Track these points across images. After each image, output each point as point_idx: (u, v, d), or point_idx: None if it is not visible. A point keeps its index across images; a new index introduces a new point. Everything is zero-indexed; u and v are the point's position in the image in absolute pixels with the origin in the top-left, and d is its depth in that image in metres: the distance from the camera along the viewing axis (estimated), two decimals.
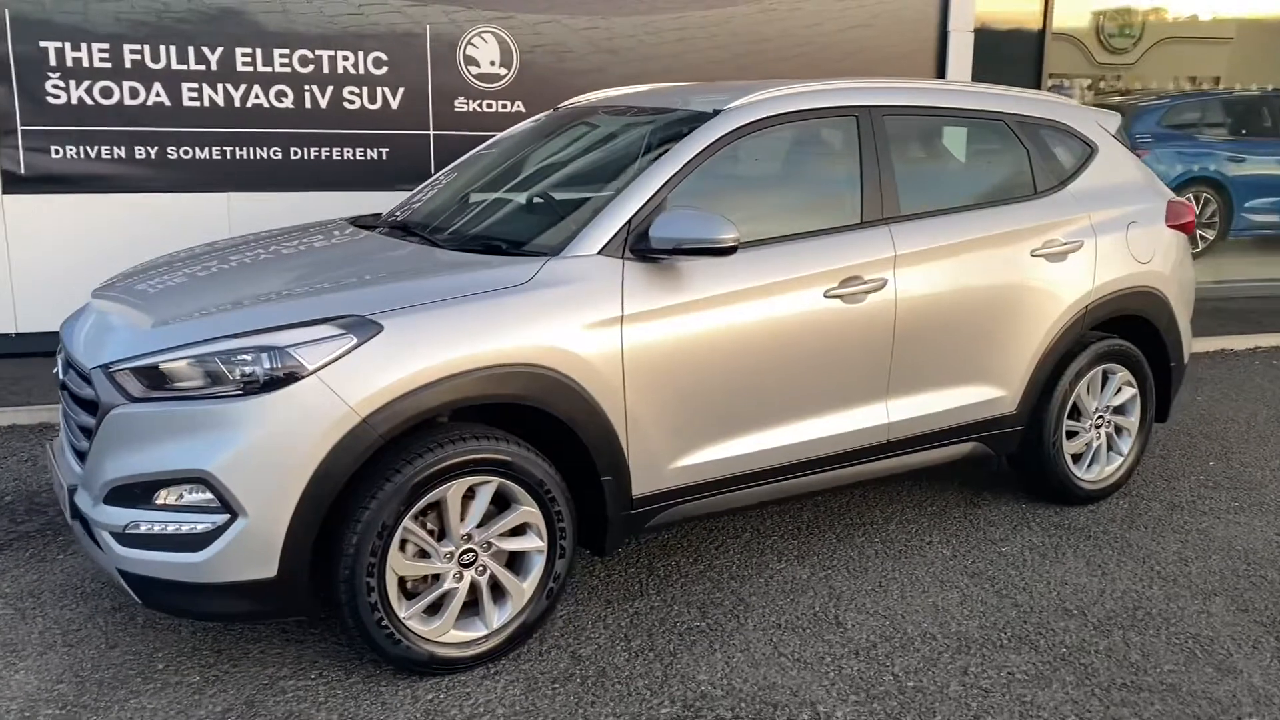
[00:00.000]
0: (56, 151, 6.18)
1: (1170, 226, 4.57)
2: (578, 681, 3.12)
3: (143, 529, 2.85)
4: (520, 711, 2.97)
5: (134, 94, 6.23)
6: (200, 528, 2.81)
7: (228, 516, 2.80)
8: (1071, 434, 4.41)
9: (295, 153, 6.47)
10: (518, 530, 3.20)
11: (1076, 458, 4.46)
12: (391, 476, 2.93)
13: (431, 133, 6.71)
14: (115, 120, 6.24)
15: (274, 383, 2.82)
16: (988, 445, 4.21)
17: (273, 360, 2.83)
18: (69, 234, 6.18)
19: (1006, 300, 4.08)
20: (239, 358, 2.84)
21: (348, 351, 2.87)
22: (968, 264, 3.98)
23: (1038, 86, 8.65)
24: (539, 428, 3.21)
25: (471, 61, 6.71)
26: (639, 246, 3.31)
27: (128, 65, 6.19)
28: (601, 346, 3.19)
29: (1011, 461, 4.42)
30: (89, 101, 6.17)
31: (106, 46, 6.14)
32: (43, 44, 6.05)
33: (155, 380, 2.87)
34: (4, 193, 6.14)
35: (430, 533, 3.06)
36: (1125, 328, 4.52)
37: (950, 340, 3.96)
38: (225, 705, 2.97)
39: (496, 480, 3.09)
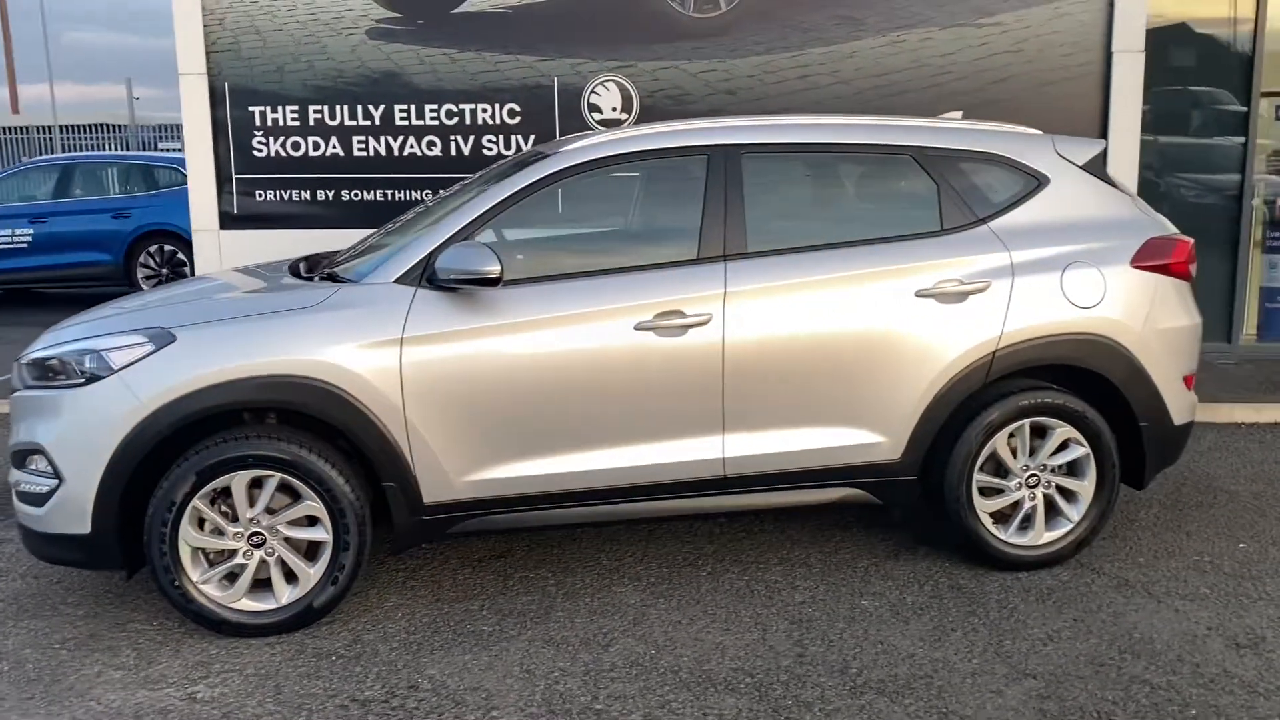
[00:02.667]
0: (259, 195, 7.56)
1: (1141, 267, 4.06)
2: (333, 659, 3.55)
3: (20, 487, 3.72)
4: (265, 674, 3.46)
5: (316, 147, 7.46)
6: (42, 488, 3.62)
7: (56, 481, 3.59)
8: (992, 491, 4.07)
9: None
10: (316, 520, 3.69)
11: (1002, 518, 4.10)
12: (180, 462, 3.57)
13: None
14: (302, 169, 7.51)
15: (93, 379, 3.57)
16: (870, 493, 4.03)
17: (94, 361, 3.59)
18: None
19: (878, 342, 3.90)
20: (77, 358, 3.62)
21: (144, 357, 3.56)
22: (824, 303, 3.87)
23: (1246, 104, 7.61)
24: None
25: (595, 109, 7.25)
26: (432, 276, 3.69)
27: (311, 123, 7.44)
28: (378, 364, 3.61)
29: (911, 515, 4.17)
30: (282, 154, 7.49)
31: (296, 108, 7.43)
32: (250, 108, 7.45)
33: (36, 371, 3.73)
34: (222, 229, 7.61)
35: (224, 514, 3.65)
36: (1083, 379, 4.09)
37: (800, 380, 3.88)
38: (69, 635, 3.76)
39: (278, 475, 3.61)
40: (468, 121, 7.34)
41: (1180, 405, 4.18)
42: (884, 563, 4.24)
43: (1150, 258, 4.08)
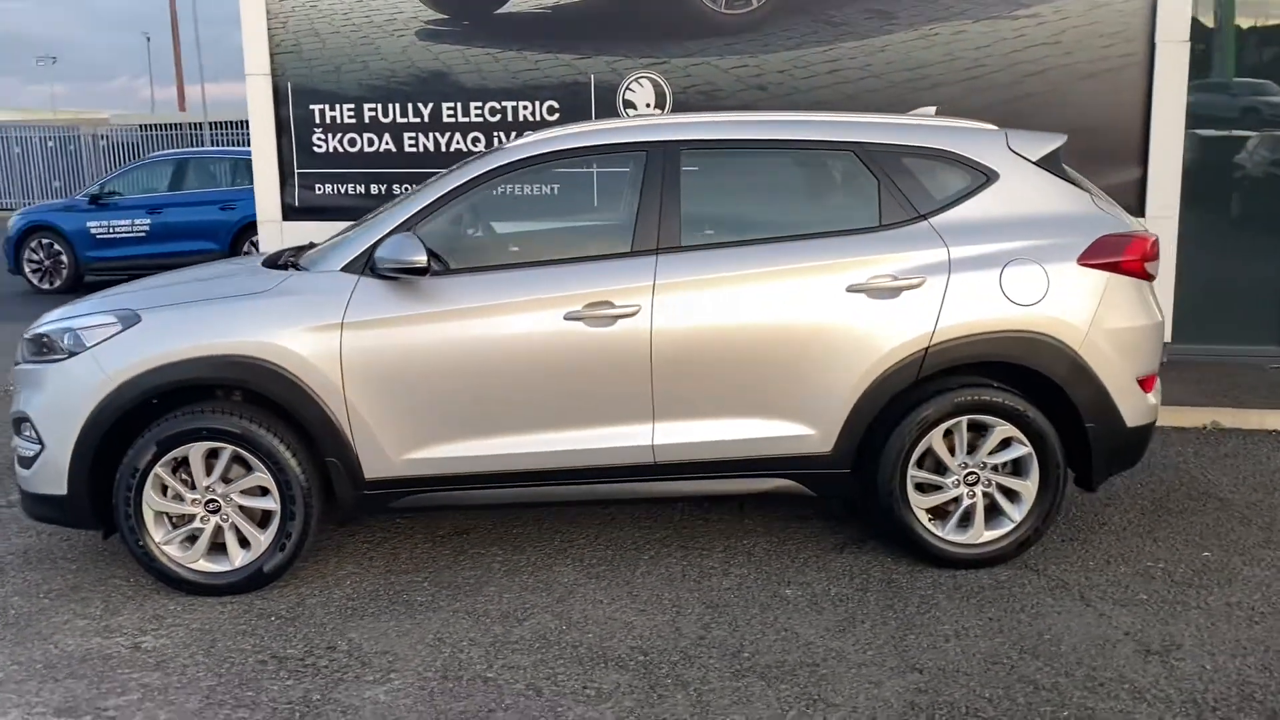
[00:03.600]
0: (318, 189, 8.00)
1: (1089, 265, 3.99)
2: (271, 619, 3.84)
3: (17, 451, 4.14)
4: (206, 630, 3.77)
5: (370, 143, 7.86)
6: (29, 453, 4.02)
7: (39, 447, 3.98)
8: (930, 487, 4.07)
9: None
10: (266, 490, 3.99)
11: (940, 515, 4.10)
12: (143, 433, 3.91)
13: (595, 171, 7.51)
14: (358, 164, 7.91)
15: (70, 355, 3.95)
16: (803, 484, 4.08)
17: (71, 339, 3.97)
18: None
19: (807, 336, 3.95)
20: (60, 335, 4.01)
21: (112, 336, 3.91)
22: (752, 296, 3.95)
23: None
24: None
25: (630, 105, 7.41)
26: (373, 265, 3.94)
27: (366, 120, 7.84)
28: (320, 347, 3.88)
29: (852, 508, 4.20)
30: (340, 150, 7.91)
31: (352, 107, 7.84)
32: (310, 107, 7.89)
33: (32, 347, 4.13)
34: (285, 220, 8.09)
35: (184, 482, 3.98)
36: (1030, 378, 4.05)
37: (728, 371, 3.96)
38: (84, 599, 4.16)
39: (230, 447, 3.92)
40: (510, 118, 7.60)
41: (1135, 407, 4.08)
42: (826, 555, 4.28)
43: (1099, 255, 4.00)
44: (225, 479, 3.97)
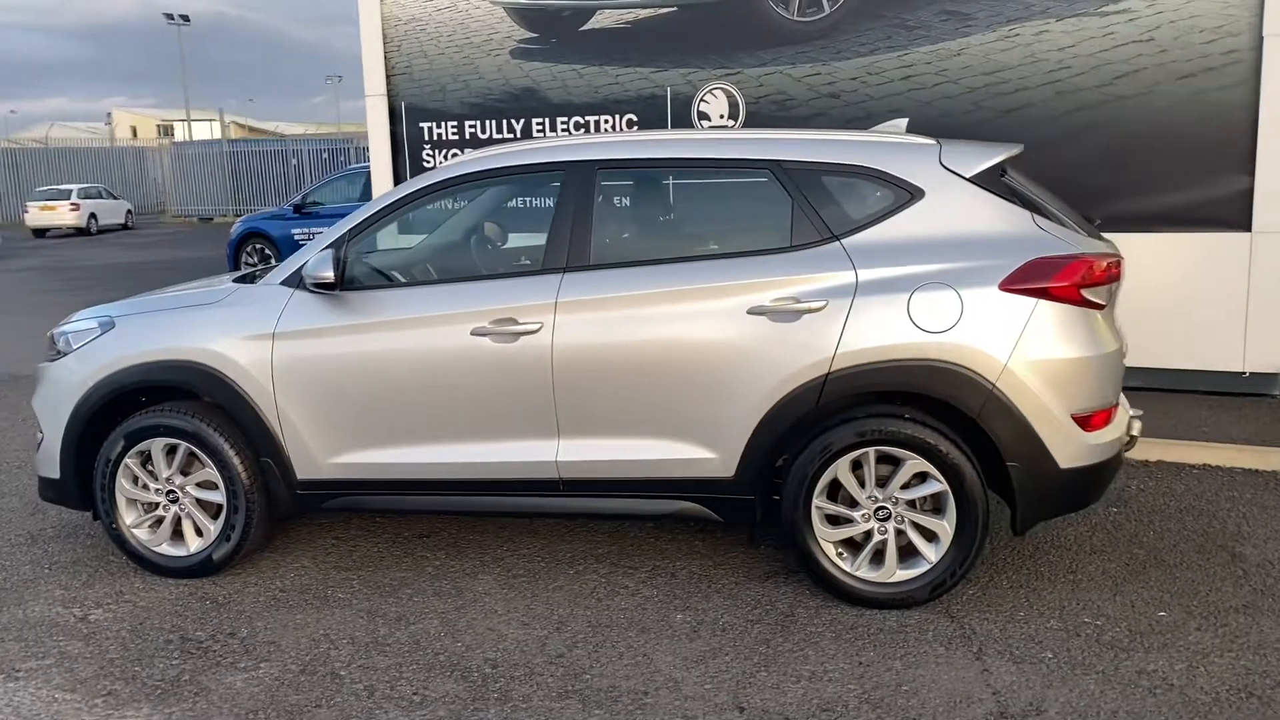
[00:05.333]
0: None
1: (1012, 290, 3.69)
2: (206, 602, 4.19)
3: (37, 439, 4.74)
4: (148, 608, 4.18)
5: None
6: (38, 440, 4.60)
7: (42, 435, 4.55)
8: (840, 520, 3.91)
9: None
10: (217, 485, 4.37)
11: (851, 549, 3.93)
12: (115, 427, 4.39)
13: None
14: None
15: (62, 355, 4.49)
16: (708, 508, 4.02)
17: (64, 341, 4.50)
18: None
19: (706, 358, 3.88)
20: (59, 337, 4.56)
21: (91, 340, 4.41)
22: (652, 317, 3.92)
23: None
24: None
25: (704, 116, 7.41)
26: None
27: (467, 137, 8.26)
28: (254, 354, 4.20)
29: (759, 535, 4.08)
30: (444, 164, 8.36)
31: (455, 124, 8.28)
32: (420, 124, 8.40)
33: (48, 345, 4.71)
34: (399, 233, 8.62)
35: (150, 473, 4.42)
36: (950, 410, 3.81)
37: (629, 391, 3.95)
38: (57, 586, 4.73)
39: (184, 444, 4.33)
40: (592, 132, 7.77)
41: (1069, 447, 3.73)
42: (746, 583, 4.18)
43: (1026, 280, 3.68)
44: (184, 472, 4.37)
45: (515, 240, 5.04)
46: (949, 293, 3.69)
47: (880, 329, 3.73)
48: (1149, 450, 5.56)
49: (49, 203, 29.83)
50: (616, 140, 4.24)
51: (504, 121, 8.04)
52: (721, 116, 7.33)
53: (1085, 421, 3.75)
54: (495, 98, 8.06)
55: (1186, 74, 6.14)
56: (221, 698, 3.44)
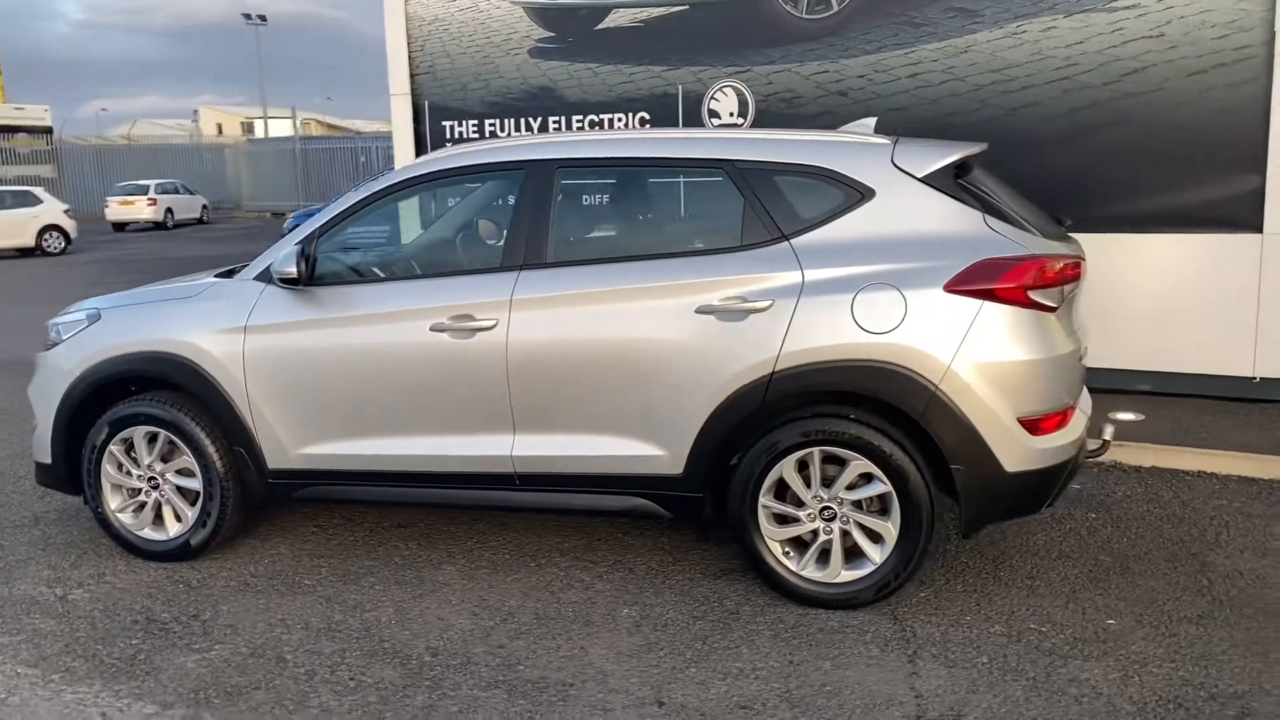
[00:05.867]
0: (448, 200, 8.63)
1: (957, 291, 3.66)
2: (179, 585, 4.35)
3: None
4: (124, 590, 4.35)
5: None
6: (34, 425, 4.81)
7: (37, 421, 4.76)
8: (788, 519, 3.92)
9: None
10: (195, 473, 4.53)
11: (798, 548, 3.93)
12: (101, 415, 4.57)
13: (682, 180, 7.59)
14: None
15: (53, 346, 4.69)
16: (659, 505, 4.06)
17: (55, 333, 4.70)
18: None
19: (655, 356, 3.91)
20: (51, 329, 4.76)
21: (79, 331, 4.60)
22: (603, 315, 3.96)
23: None
24: None
25: (714, 114, 7.42)
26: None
27: (487, 134, 8.37)
28: (227, 347, 4.34)
29: (709, 532, 4.10)
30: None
31: (475, 122, 8.40)
32: (442, 123, 8.54)
33: (45, 336, 4.92)
34: (423, 229, 8.77)
35: (133, 460, 4.60)
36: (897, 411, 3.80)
37: (580, 388, 4.00)
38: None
39: (164, 432, 4.49)
40: (604, 130, 7.82)
41: (1016, 451, 3.68)
42: (701, 579, 4.20)
43: (972, 281, 3.65)
44: (165, 459, 4.53)
45: None
46: (893, 293, 3.68)
47: (824, 329, 3.72)
48: (1142, 455, 5.45)
49: (127, 198, 30.85)
50: (576, 140, 4.29)
51: (522, 120, 8.13)
52: (731, 114, 7.33)
53: (1033, 425, 3.70)
54: (514, 96, 8.16)
55: (1197, 70, 5.98)
56: (170, 677, 3.58)
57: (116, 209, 30.68)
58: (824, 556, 3.88)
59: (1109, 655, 3.49)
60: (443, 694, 3.40)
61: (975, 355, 3.63)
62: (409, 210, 7.21)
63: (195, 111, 78.60)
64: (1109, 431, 4.41)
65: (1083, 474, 5.31)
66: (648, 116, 7.62)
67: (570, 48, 7.89)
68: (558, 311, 4.00)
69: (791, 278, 3.79)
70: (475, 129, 8.36)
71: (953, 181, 3.84)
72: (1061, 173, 6.33)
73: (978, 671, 3.42)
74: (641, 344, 3.92)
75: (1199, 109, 6.00)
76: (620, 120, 7.72)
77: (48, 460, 4.68)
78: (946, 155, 3.87)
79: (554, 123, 8.01)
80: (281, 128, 58.28)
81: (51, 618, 4.08)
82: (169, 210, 31.23)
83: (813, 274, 3.77)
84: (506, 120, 8.19)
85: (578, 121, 7.89)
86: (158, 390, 4.54)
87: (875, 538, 3.82)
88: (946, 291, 3.65)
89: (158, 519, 4.59)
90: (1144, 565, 4.21)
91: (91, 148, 41.05)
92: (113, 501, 4.60)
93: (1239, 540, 4.44)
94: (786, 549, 3.93)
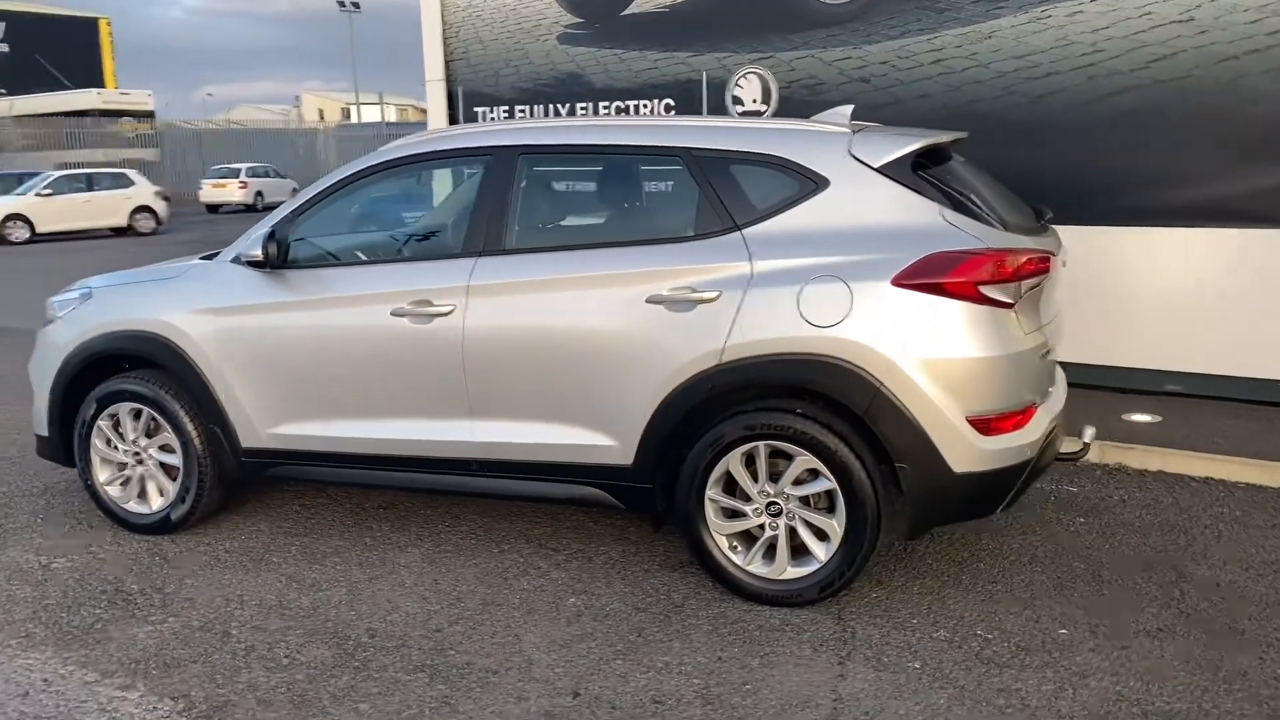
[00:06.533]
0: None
1: (904, 285, 3.56)
2: (156, 558, 4.48)
3: None
4: (104, 560, 4.50)
5: None
6: (34, 400, 5.00)
7: (35, 395, 4.94)
8: (735, 513, 3.87)
9: None
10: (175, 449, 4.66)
11: (745, 543, 3.88)
12: (89, 391, 4.72)
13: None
14: None
15: (50, 322, 4.86)
16: (611, 495, 4.03)
17: (52, 310, 4.87)
18: None
19: (606, 345, 3.88)
20: (52, 305, 4.93)
21: (73, 309, 4.75)
22: (556, 302, 3.94)
23: None
24: None
25: (738, 101, 7.32)
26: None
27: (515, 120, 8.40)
28: (203, 327, 4.44)
29: (662, 524, 4.07)
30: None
31: (506, 109, 8.44)
32: (475, 109, 8.61)
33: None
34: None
35: (120, 434, 4.75)
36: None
37: (534, 375, 3.99)
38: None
39: (146, 409, 4.63)
40: (630, 113, 7.79)
41: (964, 451, 3.56)
42: (657, 571, 4.17)
43: (920, 275, 3.53)
44: (149, 435, 4.66)
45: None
46: (840, 286, 3.58)
47: (769, 322, 3.65)
48: (1148, 459, 5.23)
49: (220, 180, 31.83)
50: (540, 126, 4.28)
51: (550, 106, 8.14)
52: (754, 101, 7.22)
53: (985, 425, 3.57)
54: (543, 82, 8.17)
55: (1228, 56, 5.69)
56: (119, 647, 3.68)
57: (209, 191, 31.68)
58: (770, 552, 3.81)
59: (1049, 666, 3.36)
60: (368, 675, 3.43)
61: (922, 351, 3.51)
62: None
63: (297, 97, 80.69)
64: (1089, 434, 4.24)
65: (1082, 477, 5.14)
66: (672, 103, 7.56)
67: (597, 33, 7.87)
68: (513, 299, 4.00)
69: (741, 269, 3.72)
70: (506, 115, 8.40)
71: (910, 172, 3.72)
72: (1086, 163, 6.10)
73: (906, 676, 3.32)
74: (594, 333, 3.89)
75: (1230, 96, 5.71)
76: (646, 107, 7.67)
77: (45, 433, 4.86)
78: (905, 145, 3.75)
79: (581, 109, 8.00)
80: (374, 114, 59.46)
81: (29, 585, 4.23)
82: (259, 193, 32.09)
83: (762, 265, 3.69)
84: (536, 107, 8.21)
85: (604, 108, 7.86)
86: (144, 368, 4.66)
87: (822, 535, 3.74)
88: (894, 285, 3.54)
89: (143, 493, 4.72)
90: (1117, 574, 4.04)
91: (191, 131, 42.43)
92: (101, 474, 4.75)
93: (1227, 551, 4.23)
94: (734, 543, 3.86)
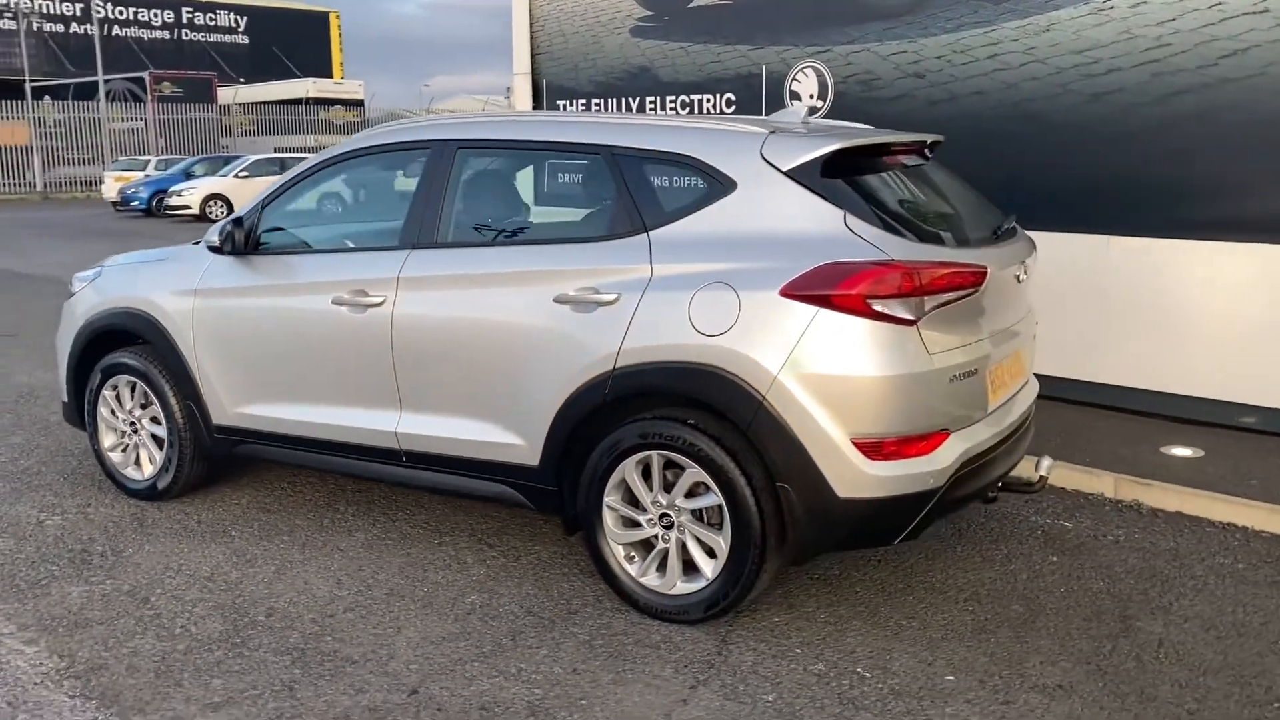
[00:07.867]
0: (564, 178, 8.77)
1: (795, 296, 3.37)
2: (137, 525, 4.77)
3: None
4: (91, 522, 4.81)
5: None
6: (58, 368, 5.40)
7: (59, 364, 5.34)
8: (632, 523, 3.77)
9: None
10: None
11: (643, 553, 3.78)
12: (95, 362, 5.07)
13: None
14: None
15: (69, 297, 5.24)
16: (521, 495, 4.01)
17: (73, 285, 5.25)
18: None
19: (514, 342, 3.85)
20: (74, 281, 5.31)
21: (87, 285, 5.11)
22: (477, 298, 3.93)
23: None
24: None
25: (795, 96, 7.09)
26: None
27: (593, 111, 8.42)
28: (181, 306, 4.68)
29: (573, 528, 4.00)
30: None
31: (584, 102, 8.48)
32: (558, 102, 8.69)
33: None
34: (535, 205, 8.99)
35: (120, 404, 5.06)
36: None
37: (452, 369, 4.01)
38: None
39: (139, 382, 4.92)
40: (695, 112, 7.69)
41: (849, 475, 3.33)
42: (575, 575, 4.09)
43: (808, 286, 3.32)
44: (143, 406, 4.96)
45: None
46: (729, 294, 3.42)
47: (659, 327, 3.52)
48: (1167, 498, 4.75)
49: None
50: (477, 120, 4.27)
51: (622, 100, 8.11)
52: (811, 96, 6.97)
53: (873, 448, 3.33)
54: (616, 76, 8.15)
55: None
56: (49, 604, 3.93)
57: None
58: (664, 565, 3.68)
59: (911, 714, 3.11)
60: (240, 653, 3.53)
61: (805, 366, 3.31)
62: (524, 179, 7.25)
63: (509, 88, 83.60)
64: (1046, 465, 3.91)
65: (1083, 513, 4.73)
66: (734, 98, 7.39)
67: (665, 27, 7.78)
68: (437, 293, 4.02)
69: (641, 272, 3.60)
70: (584, 107, 8.42)
71: (819, 176, 3.50)
72: (1149, 168, 5.58)
73: (753, 709, 3.15)
74: (507, 330, 3.86)
75: None
76: (709, 102, 7.54)
77: (66, 399, 5.24)
78: (819, 147, 3.53)
79: (650, 103, 7.93)
80: None
81: (15, 539, 4.57)
82: None
83: (660, 269, 3.57)
84: (609, 100, 8.20)
85: (670, 101, 7.77)
86: (141, 344, 4.95)
87: (712, 553, 3.58)
88: (782, 295, 3.35)
89: (137, 461, 5.02)
90: (1053, 621, 3.69)
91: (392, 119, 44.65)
92: (105, 441, 5.08)
93: (1199, 607, 3.79)
94: (631, 553, 3.76)
